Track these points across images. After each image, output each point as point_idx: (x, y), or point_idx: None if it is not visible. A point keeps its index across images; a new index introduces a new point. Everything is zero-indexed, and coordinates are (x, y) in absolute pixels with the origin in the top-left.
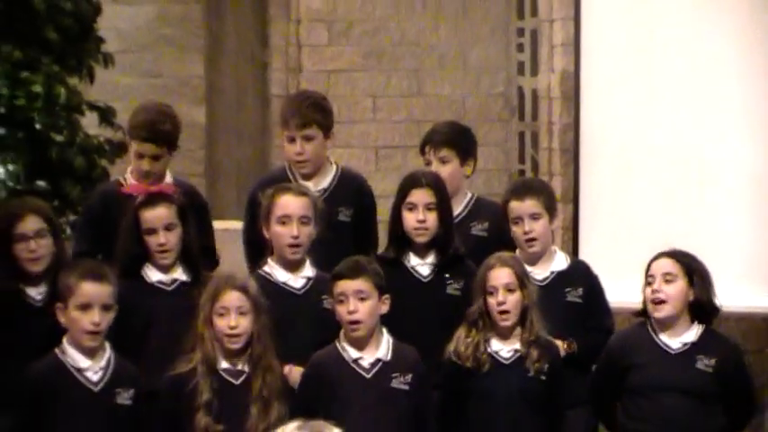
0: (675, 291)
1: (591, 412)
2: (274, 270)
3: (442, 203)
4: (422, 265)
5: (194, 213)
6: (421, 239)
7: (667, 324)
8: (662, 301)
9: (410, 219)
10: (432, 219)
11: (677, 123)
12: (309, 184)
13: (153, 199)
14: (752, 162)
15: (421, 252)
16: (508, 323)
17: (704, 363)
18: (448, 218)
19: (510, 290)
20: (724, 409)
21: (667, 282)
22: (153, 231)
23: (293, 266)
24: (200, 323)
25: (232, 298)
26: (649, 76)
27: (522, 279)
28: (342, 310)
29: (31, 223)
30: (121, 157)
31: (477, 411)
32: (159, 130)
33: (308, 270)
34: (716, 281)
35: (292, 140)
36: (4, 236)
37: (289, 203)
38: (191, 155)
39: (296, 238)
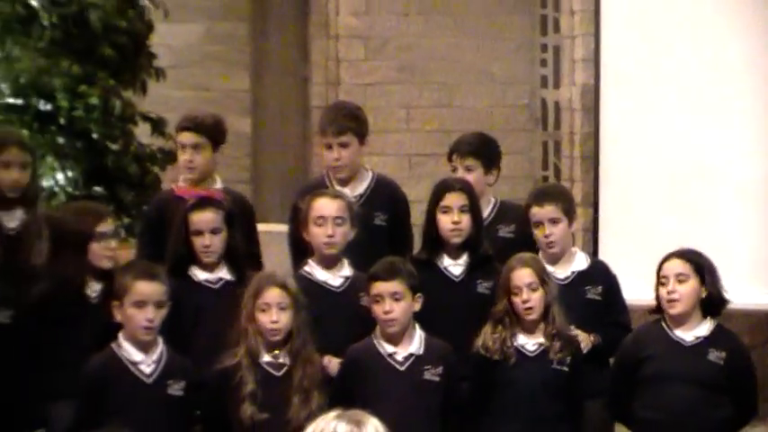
0: (688, 289)
1: (608, 407)
2: (314, 270)
3: (474, 206)
4: (454, 266)
5: (241, 219)
6: (456, 240)
7: (681, 320)
8: (676, 300)
9: (445, 221)
10: (465, 220)
11: (690, 133)
12: (346, 190)
13: (202, 203)
14: (760, 167)
15: (453, 253)
16: (533, 317)
17: (715, 355)
18: (479, 220)
19: (533, 288)
20: (731, 400)
21: (680, 282)
22: (199, 233)
23: (332, 266)
24: (244, 319)
25: (273, 294)
26: (664, 89)
27: (543, 277)
28: (378, 310)
29: (111, 224)
30: (172, 164)
31: (504, 401)
32: (199, 121)
33: (347, 270)
34: (726, 279)
35: (329, 147)
36: (85, 235)
37: (323, 206)
38: (237, 163)
39: (330, 236)
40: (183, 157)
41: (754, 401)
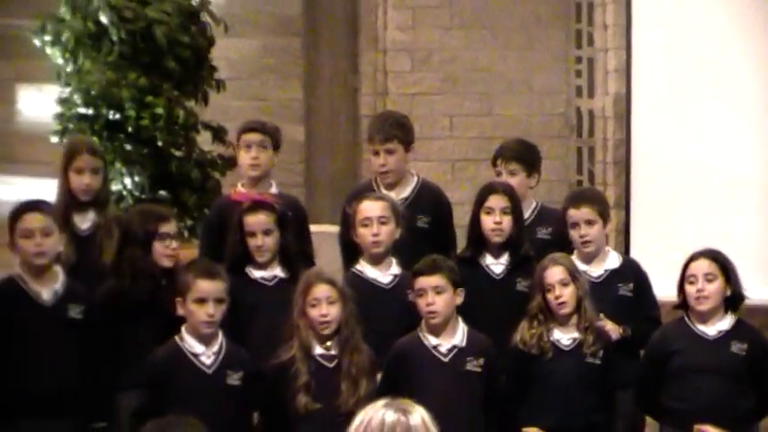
0: (716, 288)
1: (637, 397)
2: (365, 268)
3: (516, 209)
4: (495, 264)
5: (294, 221)
6: (497, 240)
7: (707, 316)
8: (706, 298)
9: (488, 221)
10: (507, 221)
11: (717, 140)
12: (392, 194)
13: (255, 206)
14: None
15: (495, 252)
16: (566, 311)
17: (737, 347)
18: (520, 222)
19: (564, 284)
20: (754, 390)
21: (709, 281)
22: (253, 234)
23: (381, 265)
24: (295, 315)
25: (322, 290)
26: (692, 99)
27: (574, 274)
28: (421, 303)
29: (173, 226)
30: (231, 170)
31: (540, 393)
32: (264, 123)
33: (395, 268)
34: (748, 277)
35: (377, 153)
36: (149, 234)
37: (367, 207)
38: (291, 168)
39: (376, 235)
40: (249, 155)
41: None
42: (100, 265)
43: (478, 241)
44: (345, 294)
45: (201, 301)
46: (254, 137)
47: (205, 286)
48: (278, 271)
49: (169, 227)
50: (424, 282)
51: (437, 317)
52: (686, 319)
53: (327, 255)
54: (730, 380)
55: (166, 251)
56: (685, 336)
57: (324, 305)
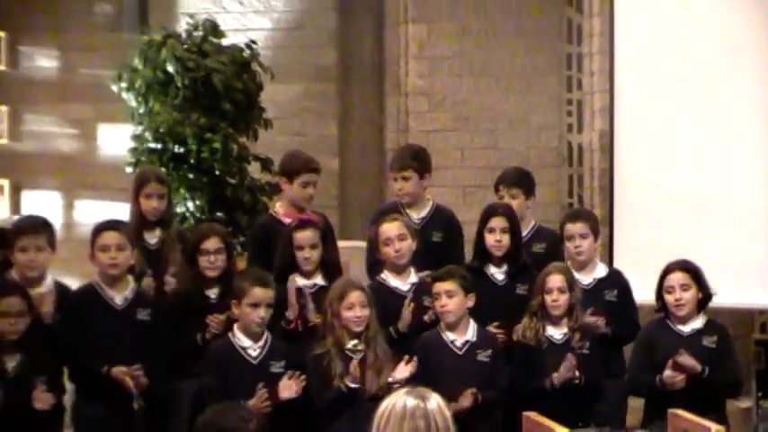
0: (691, 295)
1: (623, 383)
2: (388, 278)
3: (514, 227)
4: (498, 273)
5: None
6: (498, 253)
7: (683, 317)
8: (683, 305)
9: (490, 238)
10: (506, 239)
11: (691, 169)
12: (412, 214)
13: (303, 224)
14: (752, 193)
15: (497, 263)
16: (558, 313)
17: (708, 341)
18: (518, 237)
19: (561, 291)
20: (721, 375)
21: (684, 290)
22: (301, 248)
23: (402, 275)
24: (330, 316)
25: (356, 295)
26: (665, 135)
27: (571, 283)
28: (437, 304)
29: (213, 243)
30: (277, 194)
31: (538, 378)
32: (319, 164)
33: (413, 277)
34: (714, 283)
35: (395, 180)
36: (193, 249)
37: (386, 229)
38: (327, 193)
39: (398, 251)
40: (308, 192)
41: (740, 376)
42: (164, 275)
43: (483, 254)
44: (372, 299)
45: (255, 305)
46: (313, 177)
47: (259, 293)
48: (318, 279)
49: (209, 243)
50: (439, 287)
51: (449, 316)
52: (667, 320)
53: (359, 266)
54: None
55: (206, 264)
56: (665, 333)
57: (358, 308)
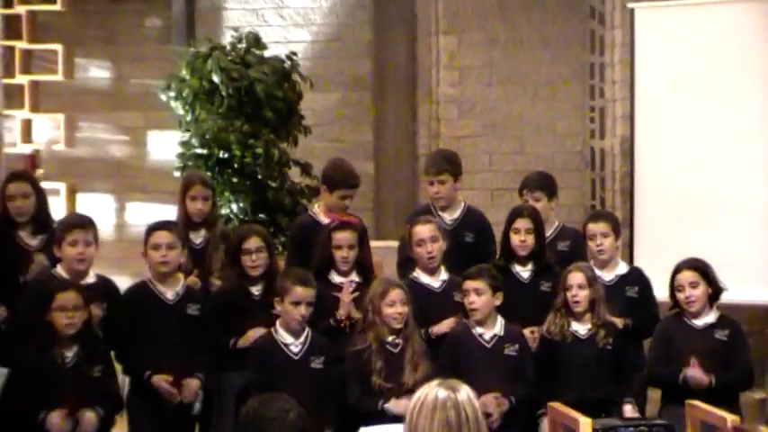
0: (701, 292)
1: (643, 375)
2: (420, 276)
3: (538, 228)
4: (523, 271)
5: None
6: (522, 253)
7: (695, 312)
8: (693, 302)
9: (515, 239)
10: (530, 239)
11: (707, 172)
12: (445, 215)
13: (342, 225)
14: (758, 198)
15: (522, 262)
16: (579, 309)
17: (721, 334)
18: (541, 237)
19: (581, 287)
20: (733, 368)
21: (693, 288)
22: (339, 248)
23: (433, 273)
24: (371, 313)
25: (397, 293)
26: (682, 140)
27: (591, 281)
28: (465, 301)
29: (254, 242)
30: (315, 197)
31: (562, 371)
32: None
33: (444, 275)
34: (728, 280)
35: (431, 183)
36: (236, 249)
37: (420, 231)
38: (363, 196)
39: (430, 252)
40: (345, 203)
41: (750, 369)
42: (209, 273)
43: (509, 253)
44: (410, 297)
45: (296, 303)
46: (352, 193)
47: (300, 292)
48: (353, 276)
49: (250, 243)
50: (469, 284)
51: (476, 312)
52: (681, 315)
53: (393, 265)
54: (714, 359)
55: (248, 263)
56: (680, 328)
57: (398, 305)
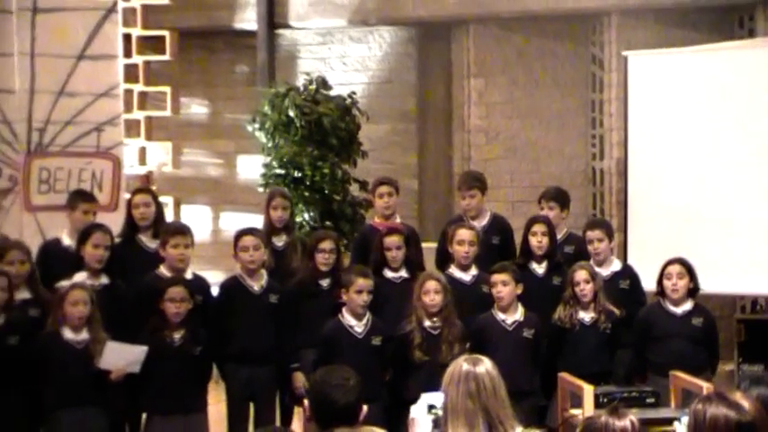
0: (684, 283)
1: (632, 353)
2: (455, 271)
3: (551, 233)
4: (538, 268)
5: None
6: (539, 253)
7: (677, 301)
8: (678, 289)
9: (533, 241)
10: (545, 241)
11: (686, 188)
12: (475, 223)
13: (391, 231)
14: (733, 206)
15: (538, 260)
16: (586, 300)
17: (697, 320)
18: (554, 241)
19: (586, 282)
20: (706, 350)
21: (679, 278)
22: (389, 249)
23: (465, 269)
24: (414, 300)
25: (432, 284)
26: (668, 162)
27: (593, 276)
28: (494, 291)
29: (328, 244)
30: (371, 208)
31: (571, 353)
32: (391, 179)
33: (474, 271)
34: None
35: (464, 197)
36: (313, 248)
37: (463, 233)
38: (409, 207)
39: (467, 253)
40: (382, 201)
41: (717, 350)
42: (288, 269)
43: (527, 253)
44: (447, 288)
45: (359, 292)
46: (386, 188)
47: (362, 282)
48: (403, 273)
49: (325, 244)
50: (497, 277)
51: (503, 301)
52: (662, 302)
53: (430, 262)
54: (691, 342)
55: (321, 260)
56: (661, 314)
57: (432, 294)
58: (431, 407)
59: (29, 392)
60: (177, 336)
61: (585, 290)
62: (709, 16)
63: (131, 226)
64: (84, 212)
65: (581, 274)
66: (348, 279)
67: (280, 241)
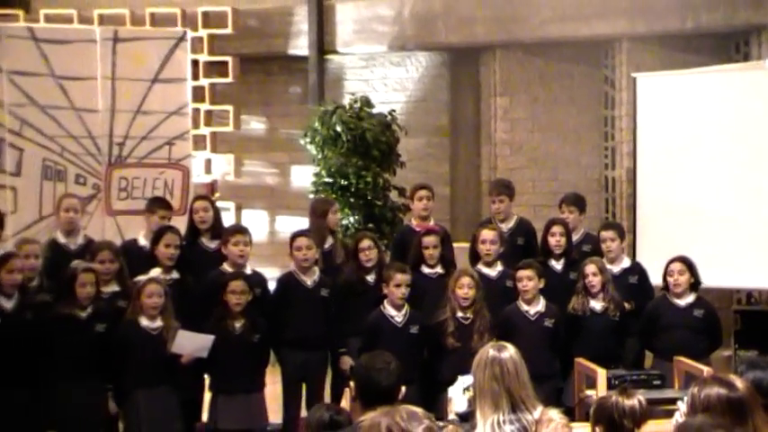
0: (685, 279)
1: (638, 341)
2: (482, 268)
3: (568, 234)
4: (557, 265)
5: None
6: (557, 251)
7: (680, 294)
8: (679, 284)
9: (552, 241)
10: (563, 241)
11: (689, 194)
12: (503, 226)
13: (428, 232)
14: (732, 209)
15: (556, 258)
16: (595, 290)
17: (698, 312)
18: (570, 241)
19: (594, 275)
20: (707, 338)
21: (681, 274)
22: (426, 248)
23: (491, 265)
24: (449, 292)
25: (466, 280)
26: (672, 170)
27: (602, 269)
28: (519, 285)
29: (366, 242)
30: (408, 212)
31: (585, 338)
32: (428, 185)
33: (499, 267)
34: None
35: (493, 202)
36: (355, 248)
37: (486, 234)
38: (443, 211)
39: (488, 250)
40: (421, 203)
41: (720, 337)
42: (335, 267)
43: (547, 252)
44: (479, 283)
45: (398, 286)
46: (425, 192)
47: (400, 277)
48: (439, 269)
49: (364, 243)
50: (522, 273)
51: (528, 293)
52: (667, 295)
53: (462, 260)
54: (693, 331)
55: (364, 258)
56: (666, 306)
57: (465, 288)
58: (466, 388)
59: (113, 374)
60: (238, 325)
61: (594, 281)
62: (709, 42)
63: (193, 229)
64: (162, 217)
65: (590, 268)
66: (388, 275)
67: (327, 243)
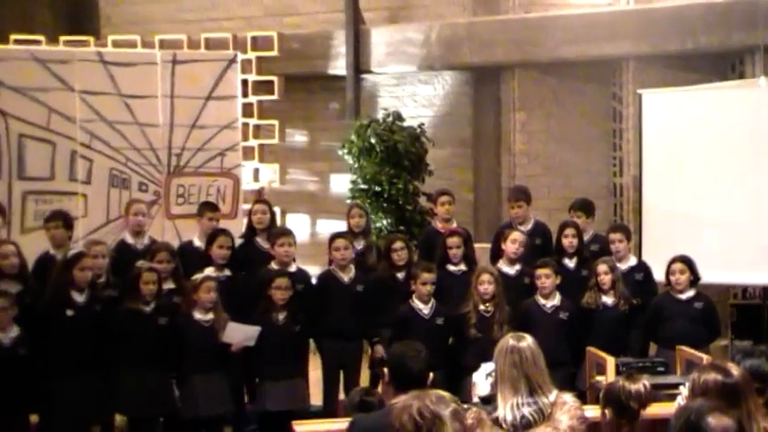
0: (686, 277)
1: (644, 332)
2: (502, 266)
3: (579, 235)
4: (569, 263)
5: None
6: (570, 251)
7: (681, 290)
8: (680, 283)
9: (565, 241)
10: (575, 241)
11: (691, 199)
12: (521, 228)
13: (452, 233)
14: (730, 213)
15: (569, 257)
16: (605, 287)
17: (698, 304)
18: (581, 242)
19: (605, 273)
20: (706, 328)
21: (681, 273)
22: (451, 248)
23: (512, 264)
24: (472, 288)
25: (486, 276)
26: (675, 178)
27: (613, 268)
28: (538, 282)
29: (399, 244)
30: (434, 215)
31: (596, 329)
32: (449, 191)
33: (518, 266)
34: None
35: (512, 207)
36: (387, 249)
37: (516, 236)
38: (466, 215)
39: (516, 251)
40: (443, 208)
41: (718, 328)
42: (368, 265)
43: (560, 251)
44: (498, 279)
45: (424, 283)
46: (447, 198)
47: (426, 275)
48: (462, 266)
49: (397, 245)
50: (541, 271)
51: (546, 289)
52: (670, 291)
53: (484, 258)
54: (693, 322)
55: (395, 257)
56: (669, 300)
57: (486, 284)
58: (488, 374)
59: (173, 362)
60: (281, 317)
61: (605, 279)
62: (707, 62)
63: (251, 230)
64: (210, 219)
65: (601, 267)
66: (415, 273)
67: (359, 245)
